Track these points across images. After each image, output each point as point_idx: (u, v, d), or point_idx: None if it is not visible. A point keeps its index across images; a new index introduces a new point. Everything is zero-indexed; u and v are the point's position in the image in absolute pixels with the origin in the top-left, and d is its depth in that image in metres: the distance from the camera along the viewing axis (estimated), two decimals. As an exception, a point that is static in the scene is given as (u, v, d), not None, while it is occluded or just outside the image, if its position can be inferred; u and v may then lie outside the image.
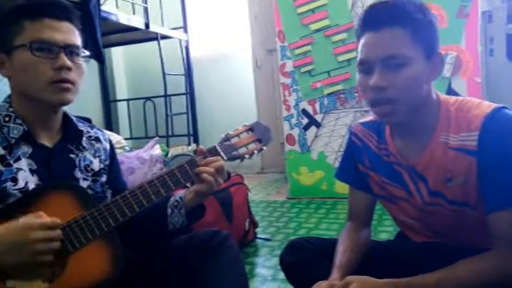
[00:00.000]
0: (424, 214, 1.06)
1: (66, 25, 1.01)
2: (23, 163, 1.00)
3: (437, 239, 1.10)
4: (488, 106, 0.95)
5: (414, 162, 1.03)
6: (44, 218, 0.90)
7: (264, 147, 1.16)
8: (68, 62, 0.99)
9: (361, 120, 1.20)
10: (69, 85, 1.00)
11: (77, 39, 1.03)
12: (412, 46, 0.92)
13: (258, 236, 2.36)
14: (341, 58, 2.98)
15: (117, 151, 1.28)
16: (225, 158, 1.11)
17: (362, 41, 0.97)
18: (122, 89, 4.59)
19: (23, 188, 0.98)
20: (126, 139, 3.25)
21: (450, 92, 2.73)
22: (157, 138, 2.46)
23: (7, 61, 1.00)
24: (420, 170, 1.02)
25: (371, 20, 0.96)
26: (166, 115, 3.76)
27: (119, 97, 4.46)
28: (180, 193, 1.14)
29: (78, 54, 1.03)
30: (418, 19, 0.94)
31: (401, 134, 1.05)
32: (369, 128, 1.16)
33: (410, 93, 0.94)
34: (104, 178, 1.16)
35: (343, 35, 2.95)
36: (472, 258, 0.92)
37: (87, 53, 1.05)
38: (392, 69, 0.92)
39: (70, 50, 1.01)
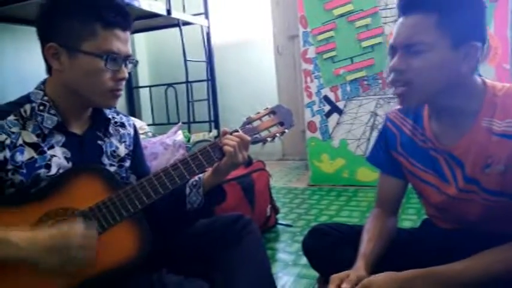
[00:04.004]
0: (456, 202, 1.04)
1: (127, 35, 1.02)
2: (58, 151, 1.02)
3: (465, 227, 1.08)
4: None
5: (452, 146, 1.01)
6: (82, 227, 0.91)
7: (286, 130, 1.15)
8: (127, 75, 1.03)
9: (398, 107, 1.19)
10: (121, 93, 1.05)
11: (130, 48, 1.05)
12: (435, 33, 0.92)
13: (279, 222, 2.37)
14: (365, 44, 2.93)
15: (140, 137, 1.30)
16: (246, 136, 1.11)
17: (396, 24, 1.00)
18: (144, 76, 4.64)
19: (55, 174, 1.00)
20: (148, 125, 3.29)
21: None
22: (180, 123, 2.47)
23: (64, 56, 0.98)
24: (458, 154, 1.00)
25: (402, 5, 0.98)
26: (188, 101, 3.78)
27: (141, 83, 4.51)
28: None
29: (130, 63, 1.05)
30: (450, 6, 0.91)
31: (439, 117, 1.04)
32: (403, 113, 1.15)
33: (426, 78, 0.94)
34: (128, 163, 1.17)
35: (367, 20, 2.89)
36: (500, 247, 0.91)
37: (135, 61, 1.07)
38: (411, 54, 0.94)
39: (128, 61, 1.03)
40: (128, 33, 1.02)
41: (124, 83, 1.05)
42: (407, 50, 0.94)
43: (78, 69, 0.98)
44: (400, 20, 0.97)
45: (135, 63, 1.08)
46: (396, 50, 0.97)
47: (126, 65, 1.03)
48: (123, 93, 1.08)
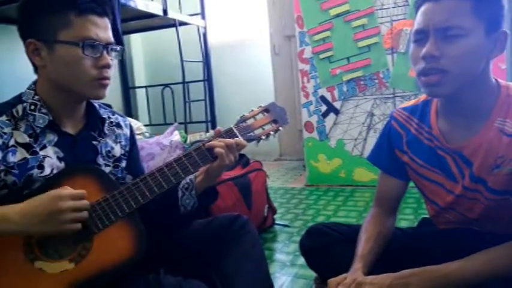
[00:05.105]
0: (460, 200, 1.04)
1: (105, 21, 1.01)
2: (50, 151, 1.01)
3: (465, 226, 1.08)
4: None
5: (461, 145, 1.00)
6: (70, 189, 0.92)
7: (281, 128, 1.14)
8: (110, 61, 1.01)
9: (402, 105, 1.19)
10: (107, 81, 1.03)
11: (111, 35, 1.04)
12: (471, 18, 0.89)
13: (277, 222, 2.37)
14: (361, 44, 2.93)
15: (137, 137, 1.29)
16: (241, 139, 1.10)
17: (421, 10, 0.95)
18: (140, 76, 4.62)
19: (48, 175, 0.99)
20: (145, 125, 3.28)
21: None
22: (176, 124, 2.46)
23: (44, 50, 0.99)
24: (467, 154, 0.99)
25: None
26: (185, 102, 3.77)
27: (137, 84, 4.49)
28: (190, 176, 1.14)
29: (113, 51, 1.04)
30: None
31: (450, 114, 1.03)
32: (409, 111, 1.14)
33: (463, 65, 0.91)
34: (124, 163, 1.17)
35: (364, 20, 2.90)
36: (502, 245, 0.91)
37: (119, 48, 1.06)
38: (447, 40, 0.90)
39: (110, 48, 1.02)
40: (106, 19, 1.02)
41: (110, 71, 1.03)
42: (442, 35, 0.90)
43: (59, 61, 0.98)
44: (428, 4, 0.93)
45: (120, 51, 1.06)
46: (427, 35, 0.92)
47: (108, 52, 1.02)
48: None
